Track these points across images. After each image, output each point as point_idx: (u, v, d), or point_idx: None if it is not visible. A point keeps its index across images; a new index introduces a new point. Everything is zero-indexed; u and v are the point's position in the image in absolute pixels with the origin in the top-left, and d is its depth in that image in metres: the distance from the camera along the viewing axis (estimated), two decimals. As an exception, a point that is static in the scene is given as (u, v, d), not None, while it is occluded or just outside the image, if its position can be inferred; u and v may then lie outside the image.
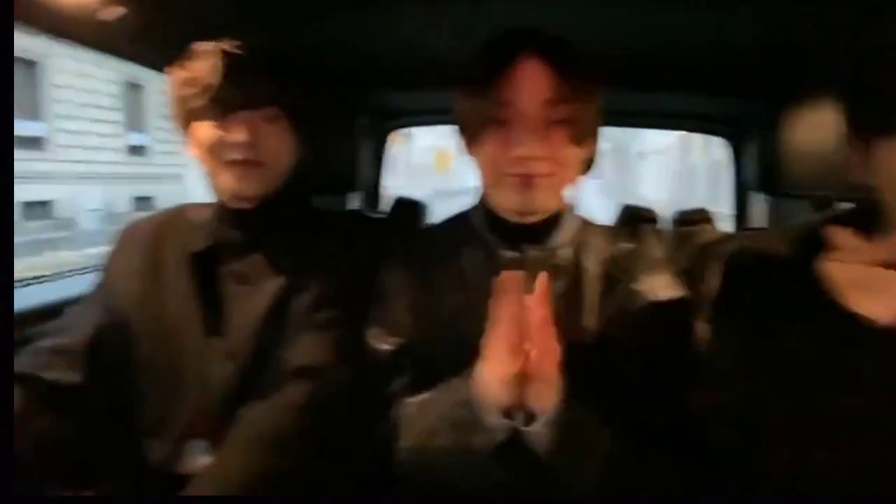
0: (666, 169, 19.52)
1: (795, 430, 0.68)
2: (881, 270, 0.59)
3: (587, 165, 1.05)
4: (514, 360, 0.67)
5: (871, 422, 0.65)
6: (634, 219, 1.48)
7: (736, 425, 0.72)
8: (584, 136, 0.82)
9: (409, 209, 1.67)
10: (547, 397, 0.70)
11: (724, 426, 0.74)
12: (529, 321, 0.67)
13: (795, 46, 1.01)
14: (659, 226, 1.48)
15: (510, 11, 0.99)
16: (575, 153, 0.82)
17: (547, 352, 0.67)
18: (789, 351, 0.68)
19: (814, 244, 0.69)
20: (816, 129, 0.97)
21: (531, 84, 0.78)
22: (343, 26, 1.17)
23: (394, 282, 0.90)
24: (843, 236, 0.60)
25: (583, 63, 0.82)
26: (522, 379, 0.69)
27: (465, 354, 0.74)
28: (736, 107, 1.45)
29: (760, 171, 1.05)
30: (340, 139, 1.34)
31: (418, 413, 0.79)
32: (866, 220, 0.68)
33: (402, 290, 0.88)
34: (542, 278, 0.68)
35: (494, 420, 0.72)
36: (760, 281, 0.72)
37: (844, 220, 0.71)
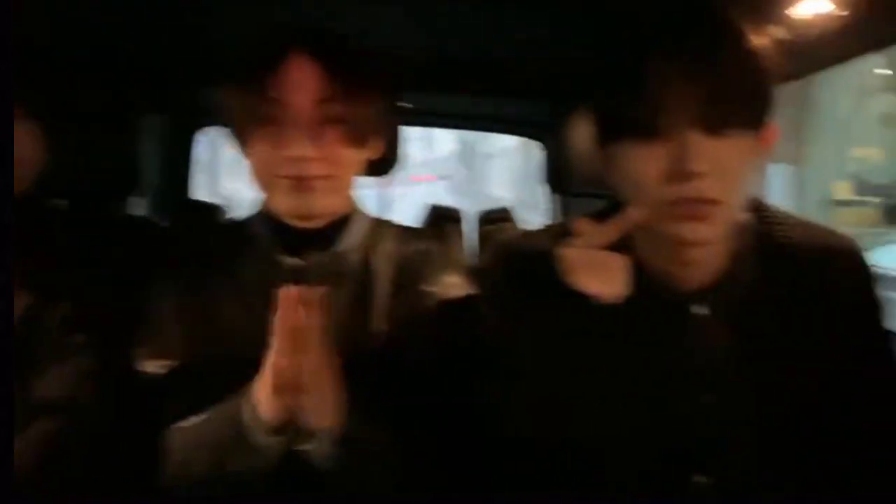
0: (511, 169, 20.52)
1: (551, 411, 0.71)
2: (601, 252, 0.64)
3: (385, 166, 1.05)
4: (280, 375, 0.65)
5: (605, 394, 0.69)
6: (440, 219, 1.50)
7: (522, 417, 0.74)
8: (365, 136, 0.80)
9: (200, 214, 1.54)
10: (322, 412, 0.68)
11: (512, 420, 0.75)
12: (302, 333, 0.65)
13: (570, 57, 1.08)
14: (463, 226, 1.52)
15: (310, 12, 0.94)
16: (353, 154, 0.79)
17: (318, 365, 0.65)
18: (542, 336, 0.71)
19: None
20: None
21: (302, 81, 0.75)
22: (136, 18, 1.05)
23: (164, 297, 0.81)
24: (579, 224, 0.64)
25: (359, 60, 0.80)
26: (296, 394, 0.66)
27: (245, 372, 0.70)
28: (542, 111, 1.52)
29: (552, 172, 1.11)
30: (115, 138, 1.19)
31: (182, 439, 0.74)
32: (613, 215, 0.72)
33: (174, 306, 0.80)
34: (311, 292, 0.66)
35: (263, 440, 0.68)
36: (523, 274, 0.74)
37: (598, 214, 0.75)
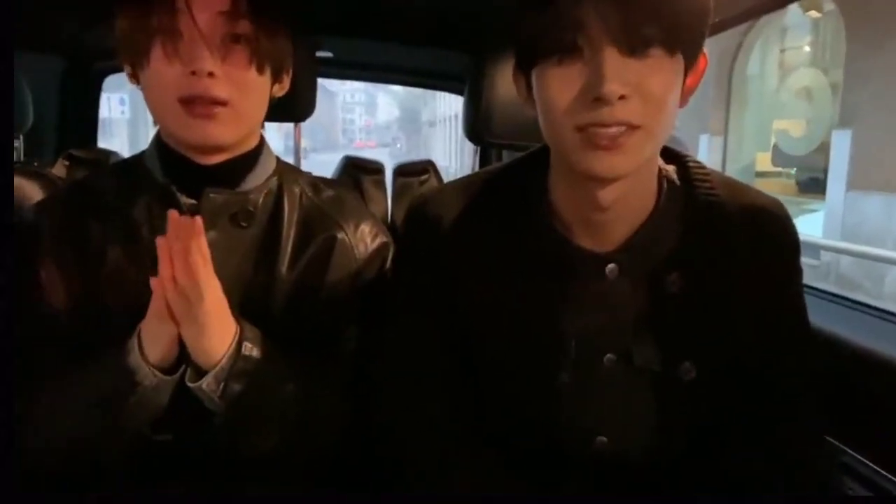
0: (452, 136, 20.57)
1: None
2: None
3: (298, 111, 0.99)
4: (161, 300, 0.64)
5: (512, 351, 0.68)
6: (356, 170, 1.47)
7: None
8: (272, 64, 0.75)
9: (90, 160, 1.42)
10: (206, 346, 0.66)
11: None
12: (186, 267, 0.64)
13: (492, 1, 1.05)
14: (381, 177, 1.49)
15: None
16: (258, 80, 0.74)
17: (193, 291, 0.64)
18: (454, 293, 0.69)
19: (495, 188, 0.72)
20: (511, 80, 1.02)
21: None
22: None
23: (41, 242, 0.74)
24: None
25: None
26: (181, 322, 0.66)
27: (137, 316, 0.67)
28: (461, 62, 1.48)
29: (469, 121, 1.08)
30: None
31: (63, 392, 0.68)
32: (542, 160, 0.70)
33: (53, 251, 0.73)
34: (191, 222, 0.63)
35: (150, 379, 0.66)
36: (430, 227, 0.71)
37: (522, 161, 0.74)
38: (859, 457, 0.81)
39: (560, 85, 0.58)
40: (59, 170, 1.39)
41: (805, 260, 0.70)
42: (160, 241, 0.64)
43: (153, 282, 0.64)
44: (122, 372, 0.65)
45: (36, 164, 1.37)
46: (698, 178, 0.68)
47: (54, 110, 1.59)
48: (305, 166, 1.10)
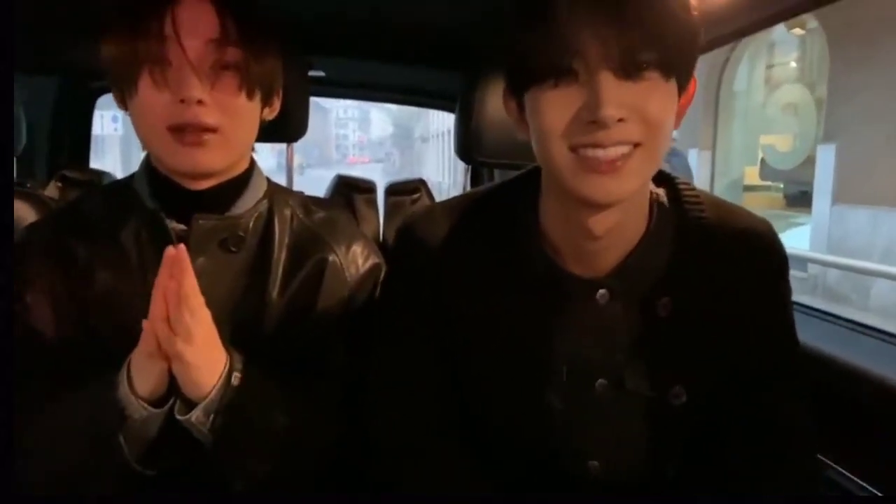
0: (445, 151, 20.67)
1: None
2: None
3: (290, 132, 1.00)
4: (152, 339, 0.62)
5: (505, 376, 0.67)
6: (348, 188, 1.47)
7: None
8: (261, 89, 0.75)
9: (80, 181, 1.42)
10: (195, 379, 0.65)
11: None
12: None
13: (483, 21, 1.06)
14: (373, 196, 1.50)
15: None
16: (247, 106, 0.73)
17: (184, 330, 0.62)
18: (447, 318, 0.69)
19: (485, 209, 0.71)
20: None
21: (196, 19, 0.69)
22: None
23: (31, 266, 0.74)
24: None
25: (255, 5, 0.74)
26: (171, 360, 0.64)
27: (125, 344, 0.66)
28: (453, 80, 1.50)
29: (460, 140, 1.09)
30: None
31: (49, 422, 0.67)
32: (533, 182, 0.70)
33: (42, 275, 0.73)
34: (175, 251, 0.62)
35: (140, 413, 0.64)
36: (420, 246, 0.71)
37: (515, 181, 0.73)
38: (844, 471, 0.82)
39: (556, 108, 0.57)
40: (51, 191, 1.39)
41: (793, 272, 0.71)
42: (156, 283, 0.62)
43: (144, 323, 0.63)
44: (111, 405, 0.64)
45: (29, 185, 1.37)
46: (689, 200, 0.68)
47: (47, 130, 1.60)
48: (301, 182, 1.10)
